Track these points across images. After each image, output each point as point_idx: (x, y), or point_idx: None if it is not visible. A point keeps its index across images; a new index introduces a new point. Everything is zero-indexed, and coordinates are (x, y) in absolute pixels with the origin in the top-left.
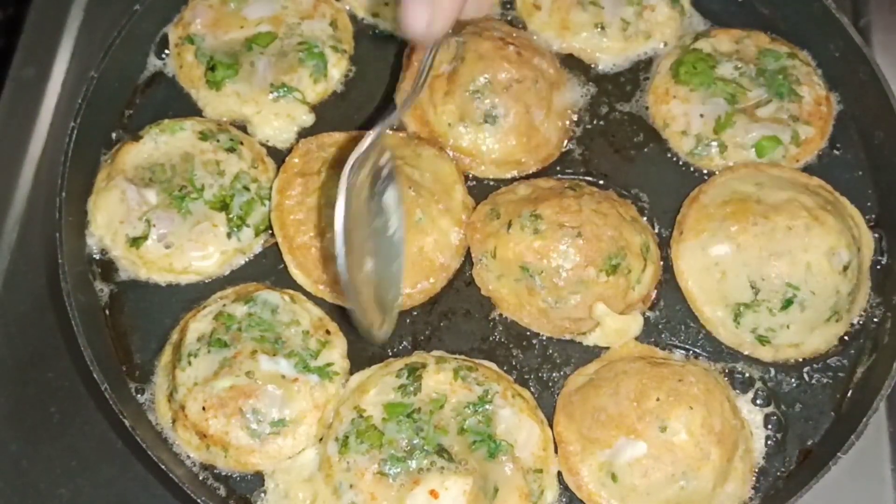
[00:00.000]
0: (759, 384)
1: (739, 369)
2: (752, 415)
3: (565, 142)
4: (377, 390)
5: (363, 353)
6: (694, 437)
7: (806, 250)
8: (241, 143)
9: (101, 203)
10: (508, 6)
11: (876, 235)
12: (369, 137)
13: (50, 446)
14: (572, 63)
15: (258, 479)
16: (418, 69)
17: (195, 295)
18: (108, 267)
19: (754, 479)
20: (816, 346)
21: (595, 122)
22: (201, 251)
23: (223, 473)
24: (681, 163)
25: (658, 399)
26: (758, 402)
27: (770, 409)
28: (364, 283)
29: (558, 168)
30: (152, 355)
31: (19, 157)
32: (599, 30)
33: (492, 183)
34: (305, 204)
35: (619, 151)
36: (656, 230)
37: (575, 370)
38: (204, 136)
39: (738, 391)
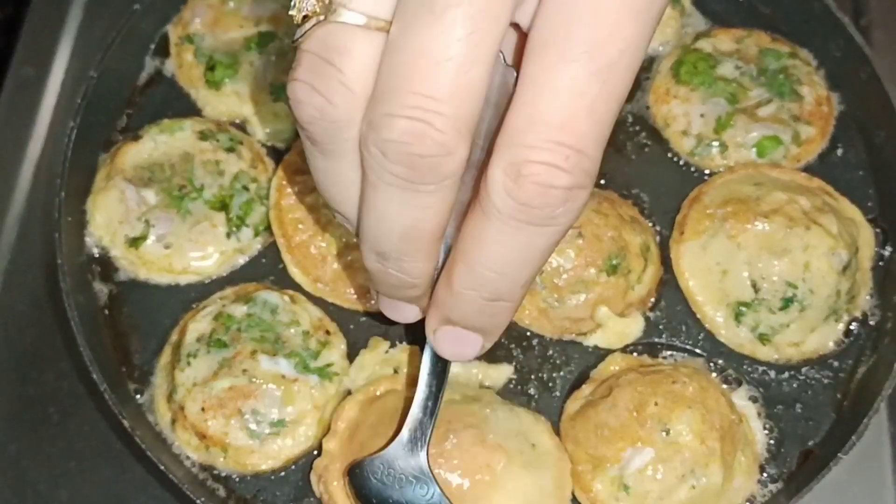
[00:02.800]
0: (759, 384)
1: (740, 369)
2: (754, 420)
3: None
4: None
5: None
6: (698, 436)
7: (805, 250)
8: (241, 143)
9: (100, 203)
10: None
11: (876, 235)
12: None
13: (49, 446)
14: None
15: (257, 479)
16: (432, 373)
17: (195, 295)
18: (107, 267)
19: (759, 470)
20: (816, 346)
21: None
22: (201, 251)
23: (223, 474)
24: (681, 163)
25: (656, 404)
26: (758, 402)
27: (770, 409)
28: None
29: None
30: (151, 356)
31: (19, 157)
32: None
33: None
34: (304, 202)
35: (619, 151)
36: (657, 230)
37: (575, 371)
38: (203, 136)
39: (738, 390)
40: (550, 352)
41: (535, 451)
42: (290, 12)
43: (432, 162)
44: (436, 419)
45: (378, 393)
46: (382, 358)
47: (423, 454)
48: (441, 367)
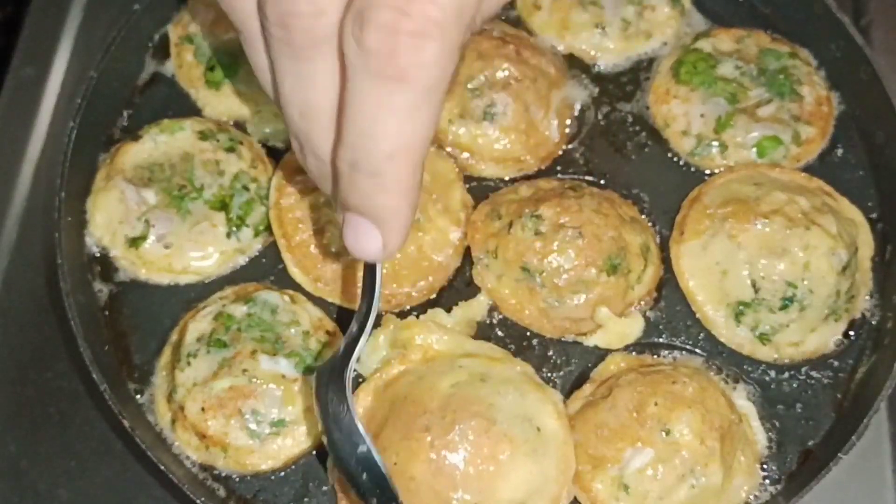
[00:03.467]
0: (759, 384)
1: (740, 369)
2: (754, 420)
3: (565, 141)
4: None
5: (363, 354)
6: (698, 436)
7: (805, 250)
8: (241, 143)
9: (100, 203)
10: (508, 6)
11: (876, 235)
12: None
13: (49, 446)
14: (573, 63)
15: (257, 479)
16: (365, 288)
17: (195, 295)
18: (107, 267)
19: (760, 469)
20: (816, 346)
21: (596, 122)
22: (201, 251)
23: (223, 474)
24: (681, 163)
25: (656, 404)
26: (758, 402)
27: (770, 409)
28: None
29: (559, 168)
30: (151, 356)
31: (19, 156)
32: (600, 30)
33: (492, 183)
34: (304, 202)
35: (619, 151)
36: (657, 230)
37: (575, 371)
38: (203, 136)
39: (738, 390)
40: (550, 352)
41: (539, 436)
42: None
43: (305, 23)
44: (367, 335)
45: (389, 377)
46: (392, 337)
47: (347, 371)
48: (370, 277)
